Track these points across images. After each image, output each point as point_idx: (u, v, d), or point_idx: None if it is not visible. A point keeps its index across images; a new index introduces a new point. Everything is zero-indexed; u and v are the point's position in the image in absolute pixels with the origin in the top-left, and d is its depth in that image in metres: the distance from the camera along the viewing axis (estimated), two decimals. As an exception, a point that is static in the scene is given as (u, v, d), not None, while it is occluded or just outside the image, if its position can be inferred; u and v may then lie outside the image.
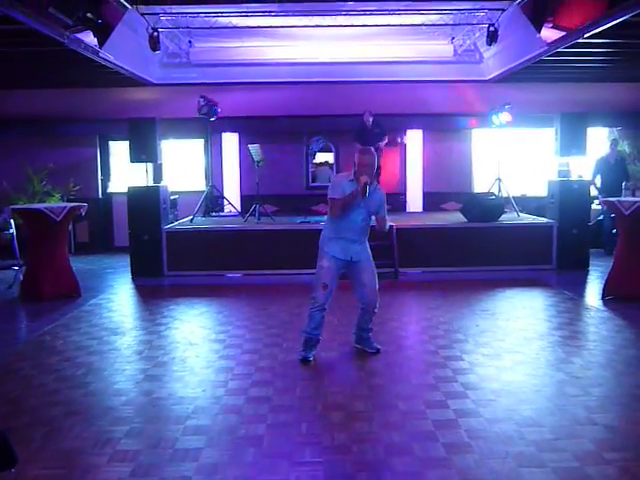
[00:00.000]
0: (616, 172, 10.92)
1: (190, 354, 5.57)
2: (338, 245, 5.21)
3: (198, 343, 5.94)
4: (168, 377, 4.96)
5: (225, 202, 11.76)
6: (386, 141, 10.98)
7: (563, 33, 8.18)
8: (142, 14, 8.85)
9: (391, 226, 9.38)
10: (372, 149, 5.33)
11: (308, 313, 5.29)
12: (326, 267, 5.19)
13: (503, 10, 8.98)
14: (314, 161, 12.94)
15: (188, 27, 9.67)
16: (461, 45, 11.10)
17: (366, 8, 8.96)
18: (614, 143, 11.17)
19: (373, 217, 5.29)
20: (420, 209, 12.57)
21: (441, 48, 11.33)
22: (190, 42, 10.95)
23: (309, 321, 5.28)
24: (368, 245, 5.37)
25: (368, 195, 5.04)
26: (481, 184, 12.68)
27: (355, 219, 5.17)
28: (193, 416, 4.12)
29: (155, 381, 4.85)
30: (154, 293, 8.57)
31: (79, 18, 7.37)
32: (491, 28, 9.23)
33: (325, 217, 5.53)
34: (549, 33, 8.45)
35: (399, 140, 12.68)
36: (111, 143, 12.99)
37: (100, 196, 12.86)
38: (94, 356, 5.53)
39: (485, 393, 4.48)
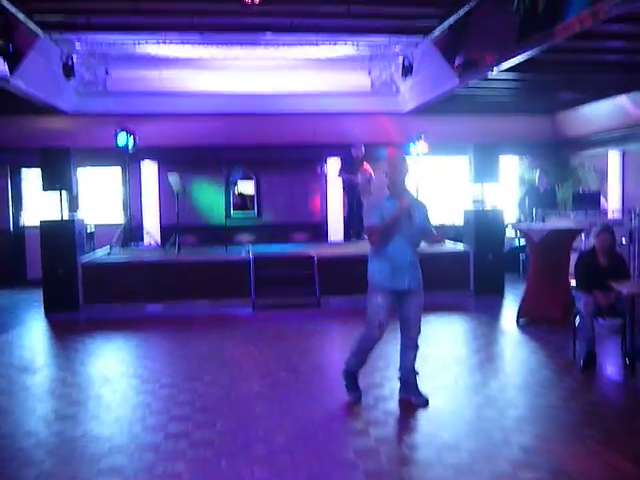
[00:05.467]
0: (544, 200, 11.35)
1: (106, 391, 5.37)
2: (389, 274, 4.73)
3: (115, 379, 5.74)
4: (82, 416, 4.76)
5: (144, 233, 11.51)
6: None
7: (474, 67, 8.54)
8: (55, 41, 8.65)
9: (311, 257, 9.44)
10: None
11: (358, 349, 4.94)
12: (380, 303, 4.75)
13: (417, 44, 9.30)
14: (237, 191, 12.91)
15: (104, 55, 9.50)
16: (378, 78, 11.38)
17: (284, 40, 9.09)
18: (543, 172, 11.57)
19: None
20: (341, 238, 12.68)
21: (359, 81, 11.59)
22: (107, 71, 10.74)
23: (357, 356, 4.94)
24: (419, 270, 4.91)
25: (411, 215, 4.58)
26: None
27: (401, 243, 4.68)
28: (108, 455, 3.96)
29: (68, 420, 4.64)
30: (69, 328, 8.24)
31: (-12, 44, 7.15)
32: (406, 62, 9.53)
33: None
34: (461, 67, 8.80)
35: (319, 170, 12.82)
36: (24, 170, 12.52)
37: (11, 229, 12.33)
38: (2, 396, 5.24)
39: (406, 419, 4.52)
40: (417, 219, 4.68)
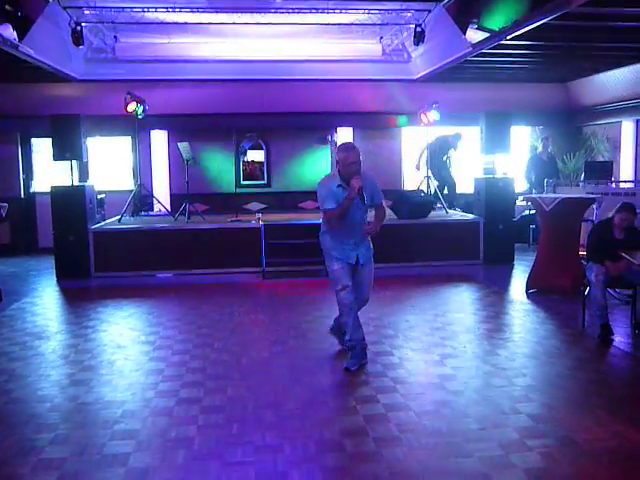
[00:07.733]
0: (548, 169, 11.31)
1: (118, 357, 5.44)
2: (344, 250, 4.93)
3: (127, 345, 5.81)
4: (95, 381, 4.83)
5: (154, 201, 11.54)
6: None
7: (487, 34, 8.40)
8: (64, 7, 8.57)
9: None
10: (353, 144, 4.99)
11: (341, 321, 5.08)
12: (339, 268, 4.94)
13: (429, 11, 9.15)
14: (245, 159, 12.88)
15: (113, 22, 9.40)
16: (389, 45, 11.23)
17: (295, 6, 8.95)
18: (546, 141, 11.53)
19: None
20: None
21: (370, 47, 11.42)
22: (116, 37, 10.64)
23: (345, 327, 5.00)
24: (370, 243, 5.09)
25: (364, 196, 4.73)
26: (411, 181, 12.91)
27: (354, 221, 4.85)
28: (121, 420, 4.03)
29: (82, 386, 4.71)
30: (80, 295, 8.32)
31: (-4, 10, 7.10)
32: (418, 28, 9.40)
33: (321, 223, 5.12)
34: (473, 34, 8.67)
35: (329, 138, 12.73)
36: (34, 140, 12.55)
37: (22, 196, 12.39)
38: (17, 362, 5.33)
39: (414, 387, 4.57)
40: (368, 199, 4.82)
